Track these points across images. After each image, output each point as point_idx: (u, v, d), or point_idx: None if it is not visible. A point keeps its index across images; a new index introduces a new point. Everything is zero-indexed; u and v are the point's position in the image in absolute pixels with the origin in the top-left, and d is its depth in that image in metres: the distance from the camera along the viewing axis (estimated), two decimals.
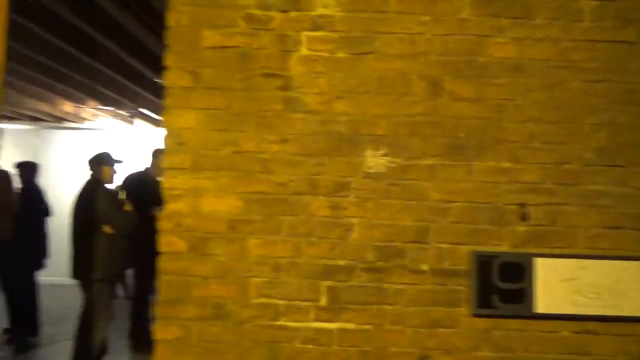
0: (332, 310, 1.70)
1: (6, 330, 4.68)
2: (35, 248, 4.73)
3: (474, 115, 1.74)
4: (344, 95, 1.74)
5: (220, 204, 1.71)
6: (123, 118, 7.34)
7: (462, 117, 1.74)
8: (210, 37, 1.74)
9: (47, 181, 5.35)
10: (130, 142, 7.78)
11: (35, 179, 4.96)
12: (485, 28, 1.77)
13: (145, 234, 4.24)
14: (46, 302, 4.97)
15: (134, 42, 4.02)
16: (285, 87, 1.74)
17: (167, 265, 1.71)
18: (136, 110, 6.50)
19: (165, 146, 1.73)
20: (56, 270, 5.25)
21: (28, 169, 4.91)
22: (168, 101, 1.73)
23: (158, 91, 5.61)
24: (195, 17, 1.74)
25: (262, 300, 1.71)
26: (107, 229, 3.52)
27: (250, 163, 1.73)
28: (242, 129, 1.73)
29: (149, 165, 4.71)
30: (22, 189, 4.74)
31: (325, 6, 1.75)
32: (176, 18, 1.75)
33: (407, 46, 1.75)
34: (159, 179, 4.83)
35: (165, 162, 1.73)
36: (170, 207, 1.72)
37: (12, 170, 4.75)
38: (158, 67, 4.55)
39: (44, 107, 6.52)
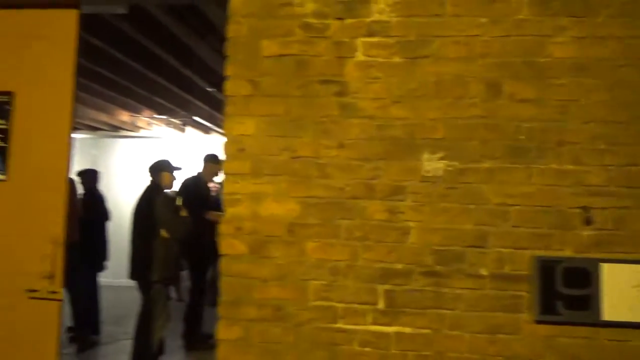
0: (390, 314, 1.70)
1: (70, 329, 4.94)
2: (96, 251, 4.98)
3: (535, 117, 1.71)
4: (400, 100, 1.75)
5: (280, 208, 1.76)
6: (175, 126, 7.61)
7: (522, 119, 1.71)
8: (269, 47, 1.80)
9: (105, 187, 5.64)
10: (182, 149, 8.05)
11: (97, 186, 5.24)
12: (544, 28, 1.73)
13: (199, 238, 4.40)
14: (106, 303, 5.22)
15: (188, 53, 4.19)
16: (341, 93, 1.77)
17: (229, 267, 1.77)
18: (188, 118, 6.73)
19: (226, 153, 1.80)
20: (115, 272, 5.52)
21: (90, 176, 5.20)
22: (229, 109, 1.80)
23: (209, 100, 5.82)
24: (254, 28, 1.81)
25: (321, 303, 1.73)
26: (164, 233, 3.67)
27: (308, 168, 1.76)
28: (300, 134, 1.77)
29: (200, 171, 4.88)
30: (84, 195, 5.02)
31: (380, 12, 1.77)
32: (236, 29, 1.82)
33: (463, 49, 1.74)
34: (210, 183, 5.01)
35: (226, 168, 1.80)
36: (231, 211, 1.79)
37: (75, 178, 5.04)
38: (210, 77, 4.74)
39: (102, 117, 6.87)
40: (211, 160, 4.88)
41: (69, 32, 2.19)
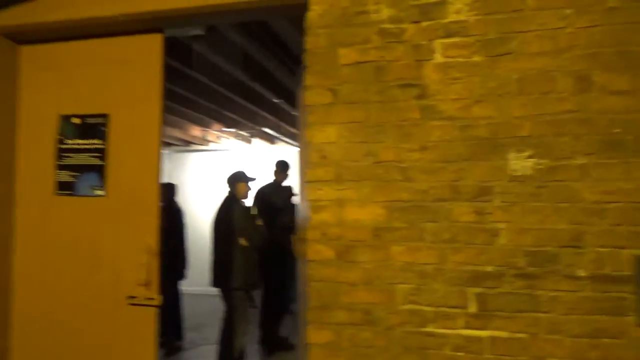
0: (483, 318, 1.67)
1: None
2: (177, 260, 5.25)
3: (631, 108, 1.62)
4: (482, 99, 1.72)
5: (364, 213, 1.78)
6: (243, 138, 7.88)
7: (616, 111, 1.62)
8: (347, 55, 1.83)
9: (179, 200, 5.93)
10: (249, 159, 8.31)
11: (175, 198, 5.53)
12: (636, 15, 1.64)
13: (275, 245, 4.53)
14: (186, 310, 5.48)
15: (255, 66, 4.34)
16: (421, 96, 1.77)
17: (316, 273, 1.82)
18: (255, 130, 6.95)
19: (309, 160, 1.85)
20: (193, 280, 5.78)
21: (168, 189, 5.49)
22: (310, 118, 1.85)
23: (275, 111, 5.99)
24: (332, 38, 1.85)
25: (409, 306, 1.73)
26: (242, 242, 3.82)
27: (390, 172, 1.78)
28: (381, 139, 1.79)
29: (274, 177, 5.04)
30: (164, 208, 5.30)
31: (457, 12, 1.75)
32: (314, 41, 1.87)
33: (547, 43, 1.69)
34: (285, 185, 5.14)
35: (309, 175, 1.85)
36: (316, 217, 1.83)
37: None
38: (276, 89, 4.88)
39: (176, 132, 7.25)
40: (286, 167, 5.04)
41: (155, 55, 2.35)
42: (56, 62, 2.49)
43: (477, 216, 1.70)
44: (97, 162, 2.41)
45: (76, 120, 2.46)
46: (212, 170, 8.28)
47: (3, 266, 2.40)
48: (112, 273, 2.33)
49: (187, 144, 8.39)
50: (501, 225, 1.68)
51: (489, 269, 1.68)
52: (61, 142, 2.46)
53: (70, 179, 2.44)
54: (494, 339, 1.66)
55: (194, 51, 3.89)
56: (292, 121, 6.68)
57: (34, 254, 2.44)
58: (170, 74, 4.27)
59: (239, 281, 3.81)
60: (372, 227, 1.77)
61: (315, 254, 1.82)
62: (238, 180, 4.06)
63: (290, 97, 5.37)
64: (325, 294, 1.80)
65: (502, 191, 1.69)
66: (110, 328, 2.30)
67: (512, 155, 1.69)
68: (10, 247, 2.44)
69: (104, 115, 2.41)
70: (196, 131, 7.25)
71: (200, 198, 7.91)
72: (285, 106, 5.79)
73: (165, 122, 6.45)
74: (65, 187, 2.44)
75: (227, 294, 3.89)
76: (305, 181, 1.85)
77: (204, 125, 6.87)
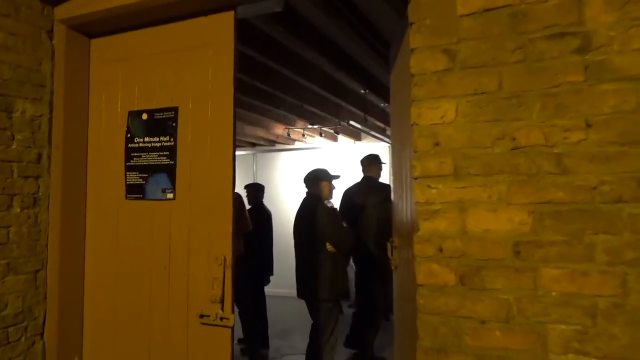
0: None
1: (240, 340, 5.01)
2: (263, 264, 4.99)
3: None
4: None
5: (498, 221, 1.26)
6: (328, 135, 7.52)
7: None
8: (468, 1, 1.32)
9: (265, 201, 5.71)
10: (335, 158, 7.94)
11: (262, 200, 5.29)
12: None
13: (365, 251, 4.07)
14: (272, 314, 5.19)
15: (341, 54, 3.91)
16: (584, 49, 1.21)
17: (430, 303, 1.32)
18: (340, 125, 6.55)
19: (417, 149, 1.36)
20: (276, 282, 5.49)
21: (255, 190, 5.27)
22: (417, 92, 1.36)
23: (362, 103, 5.53)
24: None
25: (572, 357, 1.18)
26: (329, 247, 3.39)
27: (537, 162, 1.23)
28: (522, 116, 1.25)
29: (362, 175, 4.58)
30: (250, 210, 5.07)
31: None
32: None
33: None
34: (377, 184, 4.67)
35: (417, 169, 1.36)
36: (427, 226, 1.34)
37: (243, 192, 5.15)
38: (363, 79, 4.41)
39: (260, 132, 7.08)
40: (376, 161, 4.55)
41: (226, 37, 2.01)
42: (123, 53, 2.26)
43: None
44: (166, 161, 2.12)
45: (144, 116, 2.19)
46: (298, 169, 8.02)
47: (76, 280, 2.23)
48: (182, 287, 2.02)
49: (271, 143, 8.22)
50: None
51: None
52: (130, 140, 2.21)
53: (140, 181, 2.17)
54: None
55: (272, 39, 3.54)
56: (380, 114, 6.17)
57: (102, 265, 2.23)
58: (249, 67, 4.01)
59: (327, 292, 3.38)
60: (512, 241, 1.25)
61: (428, 277, 1.33)
62: (321, 178, 3.61)
63: (378, 87, 4.88)
64: (443, 333, 1.30)
65: None
66: (180, 349, 2.00)
67: None
68: (82, 257, 2.26)
69: (173, 109, 2.12)
70: (280, 129, 7.02)
71: (286, 198, 7.69)
72: (373, 97, 5.30)
73: (248, 121, 6.27)
74: (134, 190, 2.18)
75: (314, 306, 3.47)
76: (412, 177, 1.37)
77: (287, 123, 6.60)
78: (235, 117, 2.00)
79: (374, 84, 4.76)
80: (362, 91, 4.89)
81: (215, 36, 2.04)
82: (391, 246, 2.47)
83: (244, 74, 4.00)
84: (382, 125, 6.49)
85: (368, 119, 5.96)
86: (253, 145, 8.42)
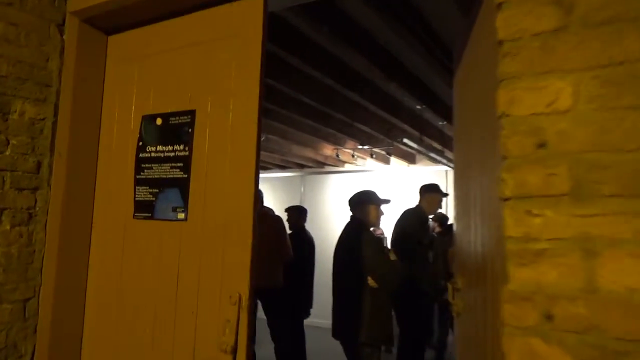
0: None
1: None
2: (302, 295, 4.52)
3: None
4: None
5: None
6: (379, 157, 7.05)
7: None
8: None
9: (311, 225, 5.27)
10: (387, 182, 7.43)
11: (303, 224, 4.87)
12: None
13: (414, 287, 3.50)
14: (309, 346, 4.67)
15: (394, 62, 3.47)
16: None
17: None
18: (392, 146, 6.07)
19: (508, 153, 0.88)
20: (316, 313, 4.94)
21: (297, 213, 4.87)
22: (508, 66, 0.89)
23: (417, 122, 5.03)
24: None
25: None
26: (371, 282, 2.85)
27: None
28: None
29: (419, 203, 4.06)
30: (291, 235, 4.65)
31: None
32: None
33: None
34: (430, 217, 4.13)
35: (508, 185, 0.88)
36: (524, 276, 0.84)
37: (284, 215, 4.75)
38: (419, 92, 3.93)
39: (308, 152, 6.72)
40: (432, 190, 4.02)
41: (253, 28, 1.63)
42: (141, 49, 1.95)
43: None
44: (179, 174, 1.75)
45: (158, 121, 1.85)
46: (348, 193, 7.59)
47: (72, 313, 1.88)
48: (189, 329, 1.63)
49: (320, 165, 7.85)
50: None
51: None
52: (142, 149, 1.87)
53: (149, 197, 1.81)
54: None
55: (313, 44, 3.17)
56: (438, 135, 5.63)
57: (103, 296, 1.88)
58: (290, 77, 3.65)
59: (366, 334, 2.83)
60: None
61: (528, 357, 0.83)
62: (367, 201, 3.09)
63: (436, 103, 4.37)
64: None
65: None
66: None
67: None
68: (82, 285, 1.93)
69: (190, 113, 1.76)
70: (329, 150, 6.63)
71: (335, 223, 7.24)
72: (429, 115, 4.79)
73: (296, 140, 5.93)
74: (143, 208, 1.82)
75: (351, 349, 2.92)
76: (500, 197, 0.89)
77: (337, 142, 6.20)
78: (261, 124, 1.60)
79: (431, 99, 4.26)
80: (417, 107, 4.40)
81: (240, 26, 1.67)
82: (453, 288, 1.98)
83: (284, 85, 3.65)
84: (439, 146, 5.93)
85: (424, 139, 5.44)
86: (301, 166, 8.08)
